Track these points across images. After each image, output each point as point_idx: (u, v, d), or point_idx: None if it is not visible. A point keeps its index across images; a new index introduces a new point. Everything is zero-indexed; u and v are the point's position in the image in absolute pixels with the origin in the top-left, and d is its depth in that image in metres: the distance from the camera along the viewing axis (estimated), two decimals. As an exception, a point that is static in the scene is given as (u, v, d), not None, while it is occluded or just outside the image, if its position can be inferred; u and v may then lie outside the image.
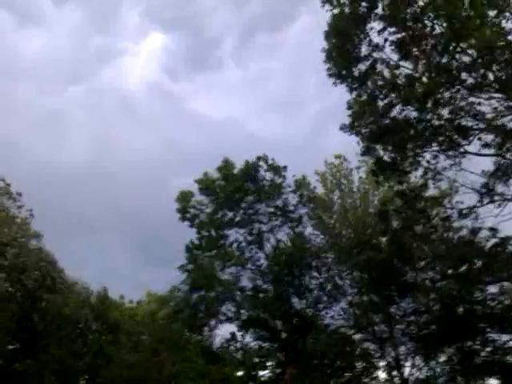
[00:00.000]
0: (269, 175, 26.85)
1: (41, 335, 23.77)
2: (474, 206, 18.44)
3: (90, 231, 49.68)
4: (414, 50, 15.85)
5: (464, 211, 18.96)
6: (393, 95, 16.84)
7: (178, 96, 71.66)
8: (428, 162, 17.82)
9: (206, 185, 26.66)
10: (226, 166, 26.68)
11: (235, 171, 26.63)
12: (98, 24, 70.33)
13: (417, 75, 16.23)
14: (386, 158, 17.79)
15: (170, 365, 25.90)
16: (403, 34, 15.80)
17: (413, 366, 24.68)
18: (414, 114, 16.88)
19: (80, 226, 48.48)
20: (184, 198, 26.69)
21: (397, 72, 16.49)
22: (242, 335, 26.42)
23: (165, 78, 78.95)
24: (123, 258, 50.41)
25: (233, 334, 26.29)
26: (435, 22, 15.28)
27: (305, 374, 24.54)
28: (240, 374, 26.41)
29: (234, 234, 26.88)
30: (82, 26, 68.76)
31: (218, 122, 65.84)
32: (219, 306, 26.06)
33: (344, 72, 16.82)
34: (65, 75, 69.43)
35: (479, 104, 16.10)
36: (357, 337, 25.88)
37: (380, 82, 16.92)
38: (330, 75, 16.90)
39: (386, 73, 16.75)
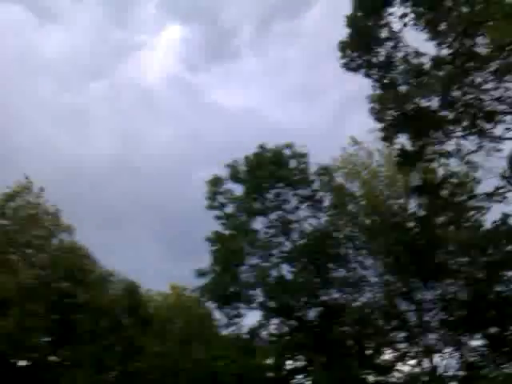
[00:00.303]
0: (293, 163, 26.87)
1: (75, 328, 24.38)
2: (502, 191, 18.05)
3: (117, 224, 50.47)
4: (442, 26, 15.41)
5: (492, 196, 18.58)
6: (415, 80, 16.53)
7: (197, 88, 71.81)
8: (453, 147, 17.49)
9: (235, 171, 26.62)
10: (258, 154, 26.61)
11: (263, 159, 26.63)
12: (115, 18, 70.88)
13: (441, 58, 15.88)
14: (409, 145, 17.49)
15: (200, 354, 26.26)
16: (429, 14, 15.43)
17: (442, 353, 24.42)
18: (438, 99, 16.55)
19: (107, 220, 49.38)
20: (215, 182, 26.70)
21: (419, 58, 16.18)
22: (270, 323, 26.59)
23: (183, 69, 79.19)
24: (150, 251, 51.17)
25: (260, 322, 26.45)
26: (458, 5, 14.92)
27: (334, 363, 24.54)
28: (268, 362, 26.57)
29: (262, 223, 26.92)
30: (100, 21, 69.43)
31: (238, 112, 65.80)
32: (247, 289, 26.17)
33: (364, 59, 16.56)
34: (85, 71, 70.36)
35: (505, 88, 15.67)
36: (385, 324, 25.70)
37: (402, 67, 16.63)
38: (346, 64, 16.65)
39: (409, 58, 16.44)
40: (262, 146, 27.04)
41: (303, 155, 26.71)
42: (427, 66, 16.08)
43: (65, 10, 66.65)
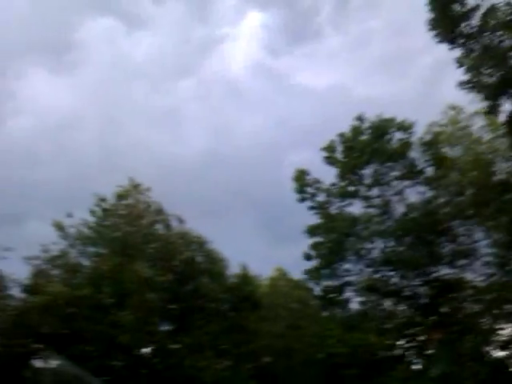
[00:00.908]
0: (393, 135, 26.09)
1: (193, 315, 25.72)
2: None
3: (218, 215, 52.21)
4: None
5: None
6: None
7: (281, 72, 71.83)
8: None
9: (331, 151, 26.49)
10: (356, 127, 26.25)
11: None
12: (197, 15, 72.53)
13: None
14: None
15: (310, 335, 26.71)
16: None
17: None
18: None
19: (208, 212, 51.27)
20: (299, 177, 26.87)
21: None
22: (380, 303, 26.39)
23: (266, 55, 79.12)
24: (250, 238, 52.48)
25: (370, 302, 26.35)
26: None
27: (454, 339, 23.80)
28: (380, 341, 26.36)
29: (359, 203, 26.68)
30: (182, 20, 71.44)
31: (325, 91, 64.88)
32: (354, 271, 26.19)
33: (454, 32, 15.67)
34: (173, 71, 73.04)
35: None
36: (500, 298, 24.42)
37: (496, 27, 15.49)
38: (437, 37, 15.88)
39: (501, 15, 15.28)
40: (359, 118, 26.41)
41: (406, 126, 25.77)
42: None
43: (150, 15, 69.56)
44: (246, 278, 27.44)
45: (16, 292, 25.31)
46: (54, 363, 11.48)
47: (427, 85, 55.14)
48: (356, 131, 26.28)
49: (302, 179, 26.82)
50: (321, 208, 26.71)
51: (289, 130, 62.33)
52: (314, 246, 26.38)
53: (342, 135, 26.65)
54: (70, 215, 26.84)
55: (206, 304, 26.03)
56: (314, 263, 26.56)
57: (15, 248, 23.87)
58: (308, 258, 26.43)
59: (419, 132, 25.86)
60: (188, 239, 27.46)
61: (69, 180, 51.86)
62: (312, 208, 26.87)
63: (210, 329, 24.91)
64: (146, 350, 25.77)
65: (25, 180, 50.06)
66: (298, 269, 28.76)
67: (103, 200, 27.63)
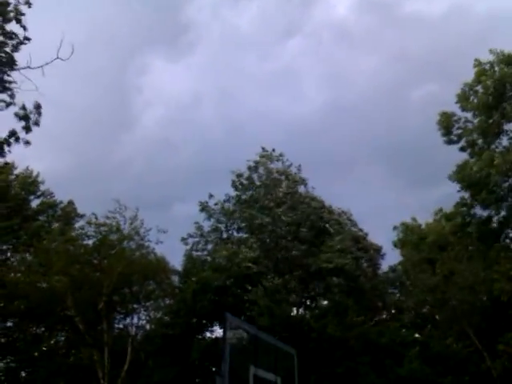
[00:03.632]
0: None
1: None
2: None
3: (347, 168, 51.04)
4: None
5: None
6: None
7: (389, 2, 66.48)
8: None
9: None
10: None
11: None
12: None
13: None
14: None
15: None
16: None
17: None
18: None
19: (337, 165, 50.36)
20: (445, 120, 24.82)
21: None
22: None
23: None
24: (387, 187, 50.99)
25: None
26: None
27: None
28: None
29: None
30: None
31: (440, 17, 59.18)
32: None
33: None
34: (280, 31, 73.31)
35: None
36: None
37: None
38: None
39: None
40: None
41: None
42: None
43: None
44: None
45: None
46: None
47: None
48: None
49: (446, 121, 24.78)
50: (470, 147, 24.61)
51: (407, 65, 58.06)
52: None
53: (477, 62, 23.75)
54: (211, 195, 28.00)
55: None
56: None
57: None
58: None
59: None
60: (312, 204, 27.34)
61: (202, 161, 54.58)
62: (462, 149, 24.91)
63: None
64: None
65: (163, 167, 53.56)
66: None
67: (239, 175, 28.31)
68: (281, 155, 29.05)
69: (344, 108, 59.98)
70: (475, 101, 23.91)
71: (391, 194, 49.57)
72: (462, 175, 24.21)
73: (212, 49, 67.81)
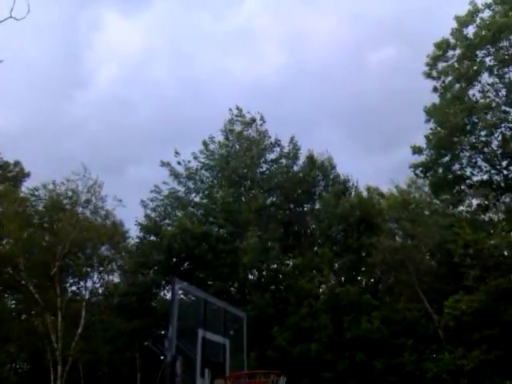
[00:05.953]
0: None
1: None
2: None
3: (309, 130, 50.92)
4: None
5: None
6: None
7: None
8: None
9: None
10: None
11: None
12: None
13: None
14: None
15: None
16: None
17: None
18: None
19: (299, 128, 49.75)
20: (441, 46, 23.00)
21: None
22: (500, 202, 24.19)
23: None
24: (344, 150, 51.04)
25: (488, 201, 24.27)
26: None
27: None
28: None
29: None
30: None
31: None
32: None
33: None
34: None
35: None
36: None
37: None
38: None
39: None
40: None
41: None
42: None
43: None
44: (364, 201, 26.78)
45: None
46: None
47: None
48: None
49: (441, 50, 22.99)
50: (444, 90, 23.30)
51: (366, 26, 57.05)
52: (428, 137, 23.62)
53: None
54: (177, 153, 27.18)
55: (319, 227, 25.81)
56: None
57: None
58: (418, 151, 24.17)
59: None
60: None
61: (157, 120, 53.16)
62: (435, 89, 23.49)
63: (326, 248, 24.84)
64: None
65: (119, 126, 52.05)
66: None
67: (211, 138, 27.74)
68: (253, 120, 28.31)
69: (304, 70, 59.12)
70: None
71: (347, 158, 49.86)
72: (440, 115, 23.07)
73: (166, 7, 65.59)
